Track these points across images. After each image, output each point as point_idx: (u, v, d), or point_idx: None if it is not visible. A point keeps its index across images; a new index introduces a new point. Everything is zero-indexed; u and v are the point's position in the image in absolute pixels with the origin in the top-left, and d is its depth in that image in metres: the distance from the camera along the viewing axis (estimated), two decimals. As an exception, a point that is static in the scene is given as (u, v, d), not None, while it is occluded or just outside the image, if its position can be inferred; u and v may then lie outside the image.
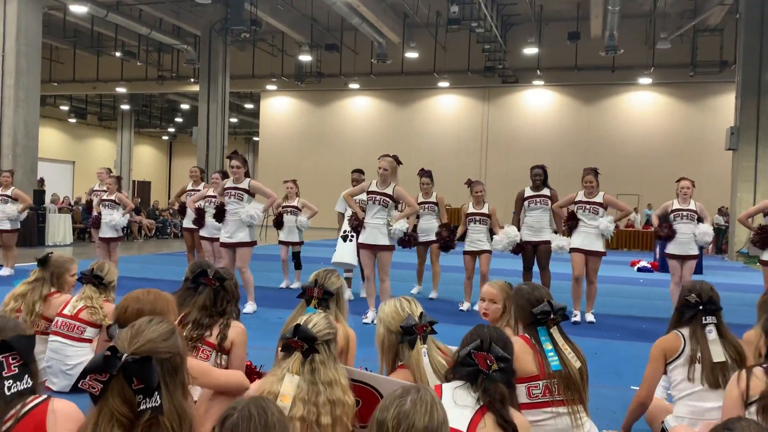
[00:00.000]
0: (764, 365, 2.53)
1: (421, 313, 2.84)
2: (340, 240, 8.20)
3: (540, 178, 7.99)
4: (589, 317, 7.50)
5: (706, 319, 3.13)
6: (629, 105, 25.97)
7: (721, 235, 20.98)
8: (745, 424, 1.64)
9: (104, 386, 1.71)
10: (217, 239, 7.86)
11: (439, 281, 9.06)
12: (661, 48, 21.91)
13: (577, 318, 7.35)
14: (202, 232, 8.82)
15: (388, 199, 6.91)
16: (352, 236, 7.95)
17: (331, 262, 7.89)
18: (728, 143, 17.94)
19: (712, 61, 22.72)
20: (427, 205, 8.69)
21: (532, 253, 7.93)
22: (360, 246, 7.16)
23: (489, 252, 8.02)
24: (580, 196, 7.55)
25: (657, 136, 25.24)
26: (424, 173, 8.80)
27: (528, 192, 8.04)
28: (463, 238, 8.18)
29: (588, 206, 7.46)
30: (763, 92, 17.53)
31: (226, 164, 9.00)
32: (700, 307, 3.12)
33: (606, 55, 21.53)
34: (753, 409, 2.43)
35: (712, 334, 3.11)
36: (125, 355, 1.72)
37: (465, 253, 8.13)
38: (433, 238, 8.48)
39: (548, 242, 7.74)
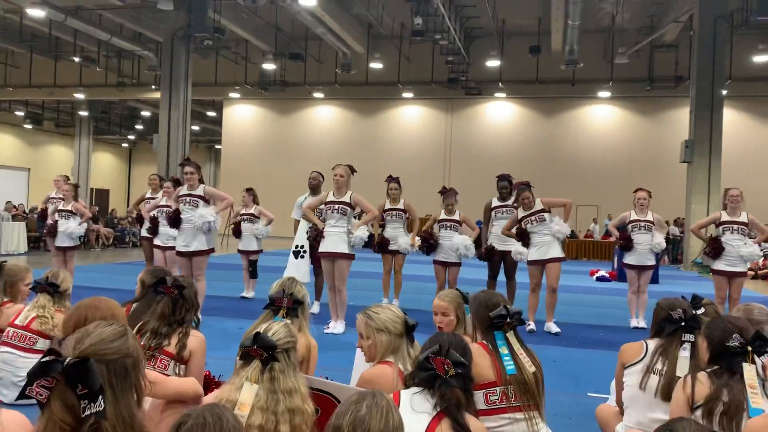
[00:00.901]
0: (708, 370, 2.62)
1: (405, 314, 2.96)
2: (291, 256, 8.14)
3: (507, 189, 8.13)
4: (554, 328, 7.42)
5: (685, 337, 3.14)
6: (588, 118, 26.55)
7: (676, 245, 21.51)
8: (686, 424, 1.69)
9: (51, 393, 1.61)
10: (171, 248, 7.69)
11: (401, 290, 9.06)
12: (619, 63, 22.49)
13: (532, 327, 7.37)
14: (156, 240, 8.66)
15: (346, 207, 6.92)
16: (304, 252, 7.90)
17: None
18: (683, 156, 18.44)
19: (668, 76, 23.39)
20: (394, 212, 8.58)
21: (499, 262, 8.00)
22: (321, 255, 7.09)
23: (459, 265, 8.10)
24: (522, 212, 7.58)
25: (615, 149, 25.85)
26: (392, 179, 8.75)
27: (495, 202, 8.18)
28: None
29: (532, 217, 7.49)
30: (716, 107, 18.09)
31: (179, 172, 8.81)
32: (682, 324, 3.14)
33: (566, 69, 22.02)
34: (699, 413, 2.51)
35: (686, 351, 3.12)
36: (67, 358, 1.62)
37: (435, 262, 8.15)
38: (398, 246, 8.45)
39: None
